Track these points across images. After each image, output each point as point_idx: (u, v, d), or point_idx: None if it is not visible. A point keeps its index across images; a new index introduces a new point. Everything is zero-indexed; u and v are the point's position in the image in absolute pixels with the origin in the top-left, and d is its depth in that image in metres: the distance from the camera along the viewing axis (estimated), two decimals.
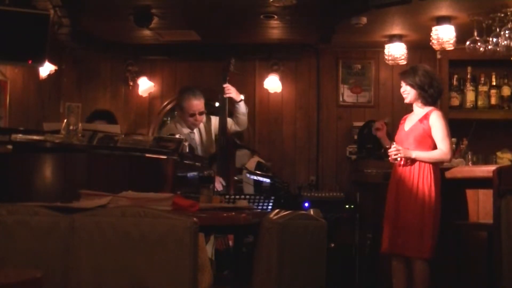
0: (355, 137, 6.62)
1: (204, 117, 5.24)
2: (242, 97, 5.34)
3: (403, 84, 4.55)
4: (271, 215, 2.75)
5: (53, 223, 2.46)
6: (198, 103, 5.14)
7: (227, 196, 4.27)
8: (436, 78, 4.56)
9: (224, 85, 5.22)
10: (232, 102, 5.29)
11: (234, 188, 5.03)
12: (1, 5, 4.81)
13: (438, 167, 4.44)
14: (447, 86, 6.37)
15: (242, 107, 5.30)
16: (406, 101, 4.58)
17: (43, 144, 3.38)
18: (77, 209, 2.55)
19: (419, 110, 4.54)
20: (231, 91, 5.22)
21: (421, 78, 4.45)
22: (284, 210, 2.86)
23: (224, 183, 4.92)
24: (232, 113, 5.37)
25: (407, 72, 4.57)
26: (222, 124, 5.18)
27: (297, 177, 6.79)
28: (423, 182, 4.35)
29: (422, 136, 4.44)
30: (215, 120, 5.31)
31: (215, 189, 4.81)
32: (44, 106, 6.56)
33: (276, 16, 5.76)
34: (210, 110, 5.53)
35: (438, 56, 6.33)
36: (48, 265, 2.39)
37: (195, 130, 5.22)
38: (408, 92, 4.52)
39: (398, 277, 4.48)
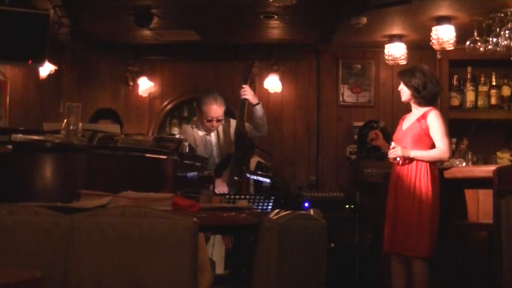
0: (355, 137, 6.62)
1: (220, 124, 5.20)
2: (259, 101, 5.27)
3: (401, 82, 4.58)
4: (271, 215, 2.75)
5: (53, 223, 2.46)
6: (218, 110, 5.09)
7: (227, 196, 4.26)
8: (432, 80, 4.53)
9: (243, 86, 5.15)
10: (249, 105, 5.21)
11: (236, 189, 5.01)
12: (1, 5, 4.81)
13: (436, 166, 4.45)
14: (447, 86, 6.37)
15: (259, 111, 5.20)
16: (402, 99, 4.61)
17: (43, 144, 3.38)
18: (77, 209, 2.54)
19: (416, 110, 4.55)
20: (247, 93, 5.14)
21: (416, 80, 4.47)
22: (284, 210, 2.86)
23: (227, 188, 4.90)
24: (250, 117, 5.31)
25: (405, 72, 4.61)
26: (239, 127, 5.14)
27: (297, 177, 6.79)
28: (420, 181, 4.36)
29: (420, 135, 4.45)
30: (234, 124, 5.26)
31: (223, 191, 4.80)
32: (44, 106, 6.56)
33: (276, 16, 5.76)
34: (229, 113, 5.49)
35: (438, 56, 6.33)
36: (48, 265, 2.38)
37: (212, 133, 5.21)
38: (403, 91, 4.55)
39: (397, 277, 4.49)
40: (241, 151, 5.04)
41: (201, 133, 5.15)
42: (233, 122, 5.26)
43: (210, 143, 5.16)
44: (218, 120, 5.14)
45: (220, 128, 5.23)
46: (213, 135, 5.21)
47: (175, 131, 6.74)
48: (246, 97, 5.11)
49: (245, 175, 4.98)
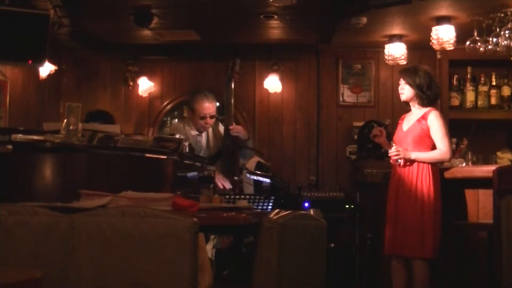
0: (355, 137, 6.63)
1: (214, 120, 5.20)
2: (248, 136, 5.27)
3: (401, 81, 4.55)
4: (271, 215, 2.75)
5: (53, 223, 2.46)
6: (210, 106, 5.09)
7: (227, 196, 4.27)
8: (435, 80, 4.56)
9: (231, 127, 5.11)
10: (239, 141, 5.15)
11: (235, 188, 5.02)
12: (1, 5, 4.81)
13: (437, 167, 4.44)
14: (447, 86, 6.38)
15: (249, 151, 5.23)
16: (402, 98, 4.58)
17: (43, 144, 3.38)
18: (77, 209, 2.55)
19: (417, 110, 4.53)
20: (238, 131, 5.13)
21: (420, 79, 4.45)
22: (284, 210, 2.86)
23: (230, 185, 4.90)
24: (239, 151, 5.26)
25: (407, 71, 4.57)
26: (226, 125, 5.14)
27: (297, 177, 6.79)
28: (422, 182, 4.35)
29: (420, 136, 4.43)
30: (222, 129, 5.27)
31: (223, 188, 4.80)
32: (44, 106, 6.56)
33: (276, 16, 5.76)
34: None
35: (438, 56, 6.33)
36: (48, 265, 2.39)
37: (203, 134, 5.20)
38: (405, 90, 4.52)
39: (397, 277, 4.48)
40: (231, 150, 5.05)
41: (193, 132, 5.14)
42: (221, 127, 5.27)
43: (200, 144, 5.15)
44: (212, 117, 5.13)
45: (210, 131, 5.23)
46: (203, 137, 5.20)
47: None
48: (238, 134, 5.11)
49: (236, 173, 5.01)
